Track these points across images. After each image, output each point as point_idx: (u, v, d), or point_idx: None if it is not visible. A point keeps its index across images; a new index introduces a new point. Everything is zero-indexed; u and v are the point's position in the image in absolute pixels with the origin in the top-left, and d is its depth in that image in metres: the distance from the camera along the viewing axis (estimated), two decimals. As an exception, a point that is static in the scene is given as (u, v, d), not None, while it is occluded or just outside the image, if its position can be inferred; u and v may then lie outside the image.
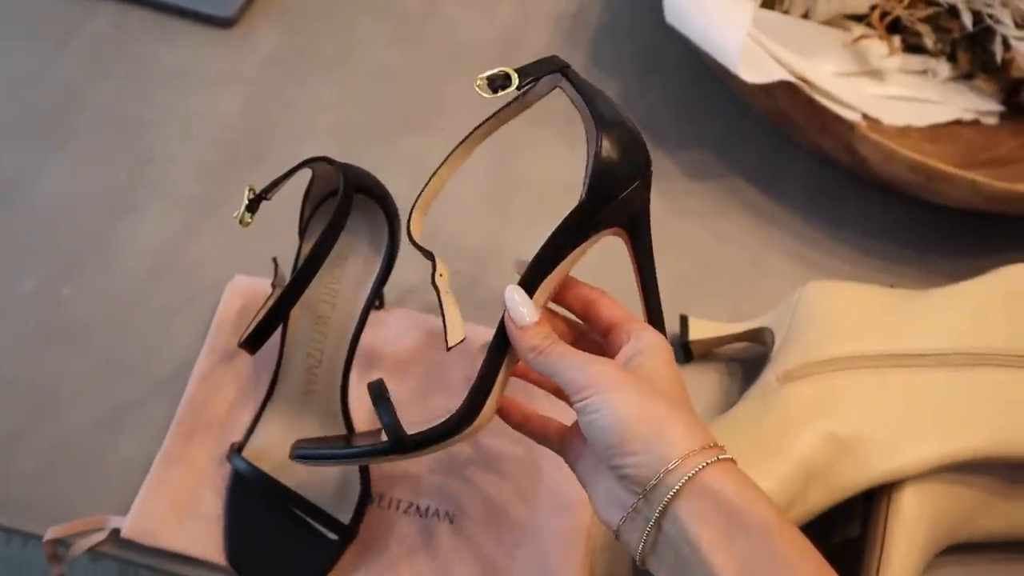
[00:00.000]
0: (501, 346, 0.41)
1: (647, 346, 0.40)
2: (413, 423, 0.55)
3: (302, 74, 0.73)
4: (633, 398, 0.37)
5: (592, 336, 0.45)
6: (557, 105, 0.72)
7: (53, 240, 0.65)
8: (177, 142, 0.70)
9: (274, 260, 0.56)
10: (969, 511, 0.50)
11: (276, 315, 0.44)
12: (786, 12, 0.68)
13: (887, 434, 0.48)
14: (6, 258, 0.64)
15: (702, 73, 0.72)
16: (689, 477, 0.34)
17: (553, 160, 0.68)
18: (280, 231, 0.56)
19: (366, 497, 0.51)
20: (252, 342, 0.45)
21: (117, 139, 0.70)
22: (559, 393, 0.46)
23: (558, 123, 0.70)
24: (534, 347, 0.40)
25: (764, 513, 0.34)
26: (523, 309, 0.41)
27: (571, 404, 0.39)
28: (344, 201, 0.45)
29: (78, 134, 0.70)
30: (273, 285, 0.54)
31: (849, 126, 0.58)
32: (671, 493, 0.35)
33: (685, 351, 0.58)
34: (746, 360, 0.59)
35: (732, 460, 0.36)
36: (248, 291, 0.59)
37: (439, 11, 0.77)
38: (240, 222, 0.45)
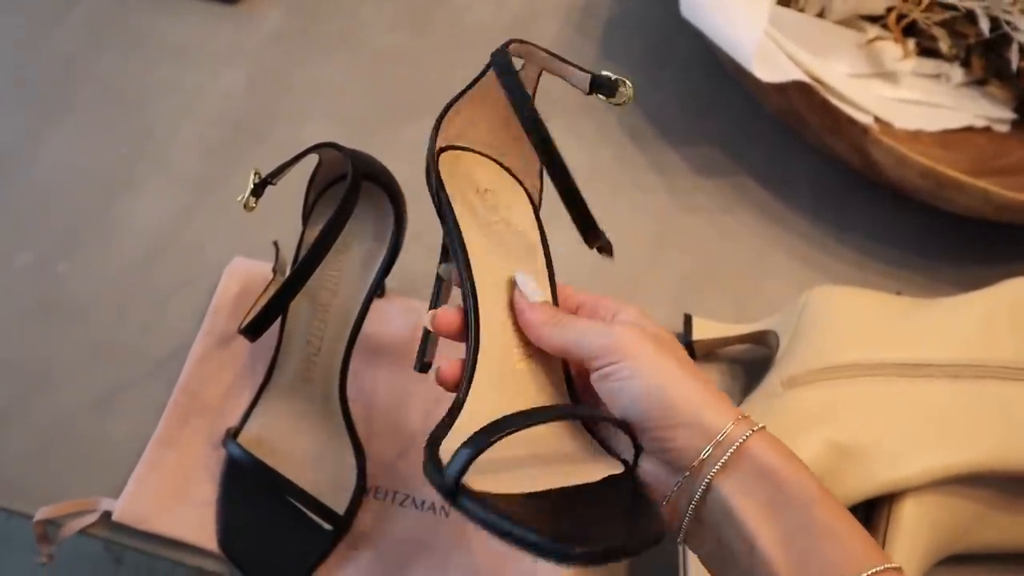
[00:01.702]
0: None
1: (638, 317, 0.39)
2: (413, 411, 0.55)
3: (305, 54, 0.72)
4: (667, 363, 0.35)
5: None
6: (565, 100, 0.72)
7: (50, 214, 0.64)
8: (177, 119, 0.68)
9: (275, 244, 0.55)
10: (968, 523, 0.49)
11: (279, 303, 0.44)
12: (801, 10, 0.67)
13: (890, 444, 0.48)
14: (2, 230, 0.63)
15: (713, 69, 0.71)
16: (735, 448, 0.33)
17: (561, 149, 0.67)
18: (280, 214, 0.55)
19: (361, 488, 0.51)
20: (253, 329, 0.45)
21: (116, 114, 0.69)
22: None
23: (566, 115, 0.69)
24: (548, 320, 0.39)
25: (806, 483, 0.33)
26: (534, 287, 0.41)
27: (591, 372, 0.37)
28: (352, 188, 0.44)
29: (76, 107, 0.69)
30: (274, 270, 0.53)
31: (862, 129, 0.58)
32: (717, 466, 0.33)
33: (688, 351, 0.58)
34: (748, 361, 0.59)
35: (764, 428, 0.35)
36: (247, 274, 0.58)
37: (447, -5, 0.76)
38: (244, 206, 0.44)
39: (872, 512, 0.48)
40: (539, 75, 0.45)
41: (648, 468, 0.36)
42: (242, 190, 0.64)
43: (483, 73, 0.44)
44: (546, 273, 0.44)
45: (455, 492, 0.34)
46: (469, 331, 0.40)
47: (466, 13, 0.75)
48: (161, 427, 0.54)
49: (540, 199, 0.47)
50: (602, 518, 0.34)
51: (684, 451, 0.34)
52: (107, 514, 0.52)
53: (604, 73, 0.41)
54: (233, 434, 0.52)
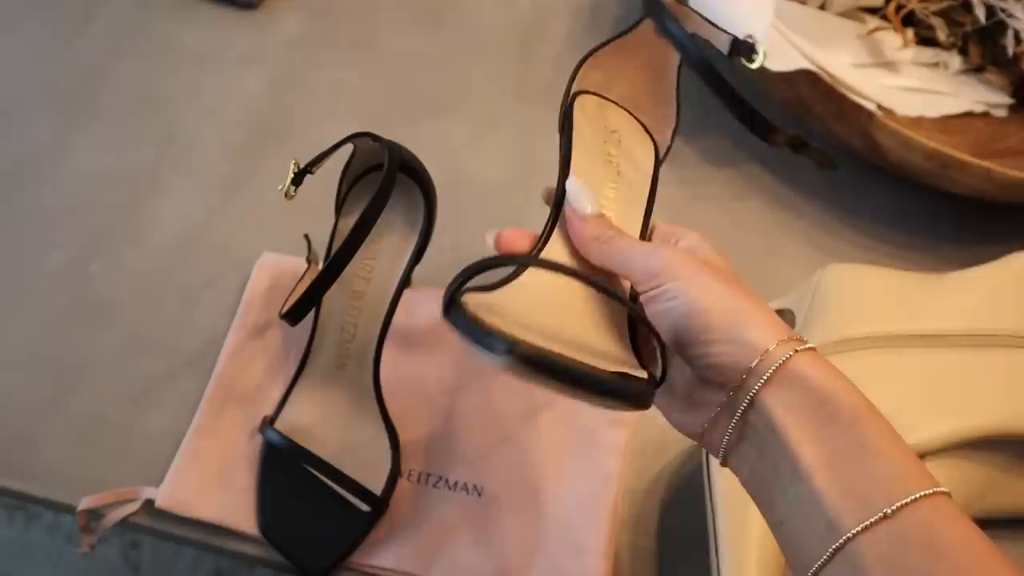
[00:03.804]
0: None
1: (698, 243, 0.40)
2: (442, 396, 0.56)
3: (324, 57, 0.74)
4: (711, 284, 0.35)
5: None
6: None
7: (79, 216, 0.65)
8: (201, 122, 0.70)
9: (306, 236, 0.56)
10: (982, 488, 0.51)
11: (320, 287, 0.45)
12: (803, 3, 0.69)
13: (905, 411, 0.49)
14: (34, 233, 0.65)
15: (719, 59, 0.73)
16: (779, 364, 0.33)
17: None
18: (305, 209, 0.56)
19: (396, 470, 0.52)
20: (294, 314, 0.46)
21: (141, 118, 0.71)
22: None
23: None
24: (597, 236, 0.39)
25: (853, 401, 0.33)
26: (585, 199, 0.40)
27: (638, 294, 0.37)
28: (389, 177, 0.46)
29: (102, 112, 0.71)
30: (308, 260, 0.55)
31: (867, 115, 0.60)
32: (761, 381, 0.33)
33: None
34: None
35: (814, 349, 0.34)
36: (276, 268, 0.60)
37: (459, -2, 0.78)
38: (285, 195, 0.46)
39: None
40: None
41: (694, 387, 0.36)
42: (267, 188, 0.67)
43: (633, 27, 0.47)
44: (643, 210, 0.44)
45: (448, 305, 0.35)
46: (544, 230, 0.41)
47: (478, 15, 0.77)
48: (199, 418, 0.55)
49: (666, 155, 0.49)
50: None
51: (726, 367, 0.34)
52: (148, 503, 0.53)
53: (743, 38, 0.44)
54: (270, 421, 0.54)
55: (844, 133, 0.63)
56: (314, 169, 0.48)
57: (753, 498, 0.35)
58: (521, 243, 0.41)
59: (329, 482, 0.51)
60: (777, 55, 0.61)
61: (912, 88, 0.69)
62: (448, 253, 0.63)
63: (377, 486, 0.52)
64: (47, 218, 0.65)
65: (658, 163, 0.49)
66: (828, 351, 0.52)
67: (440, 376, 0.57)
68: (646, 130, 0.50)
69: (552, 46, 0.75)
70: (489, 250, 0.43)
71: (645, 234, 0.44)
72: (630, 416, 0.55)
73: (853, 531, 0.30)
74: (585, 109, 0.48)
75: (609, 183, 0.46)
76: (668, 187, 0.68)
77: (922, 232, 0.66)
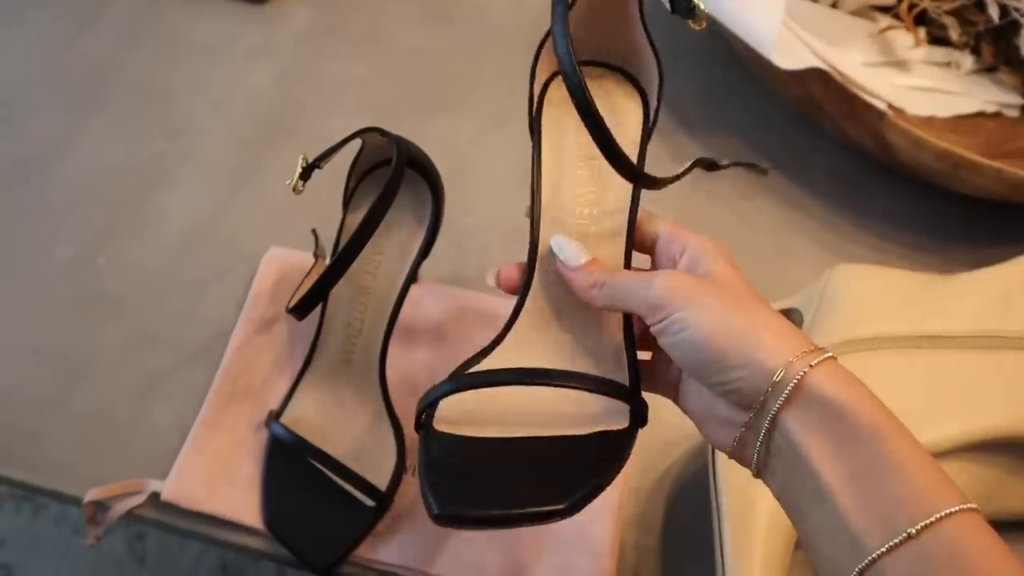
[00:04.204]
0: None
1: (704, 251, 0.38)
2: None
3: (332, 51, 0.74)
4: (715, 306, 0.35)
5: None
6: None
7: (87, 209, 0.65)
8: (209, 115, 0.70)
9: (313, 231, 0.56)
10: (990, 490, 0.51)
11: (328, 281, 0.45)
12: (815, 1, 0.69)
13: (913, 412, 0.49)
14: (41, 227, 0.65)
15: (729, 60, 0.73)
16: (795, 383, 0.32)
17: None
18: (312, 204, 0.56)
19: (402, 466, 0.52)
20: (302, 308, 0.46)
21: (149, 111, 0.71)
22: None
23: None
24: (594, 282, 0.39)
25: (872, 414, 0.32)
26: (571, 252, 0.40)
27: (650, 329, 0.37)
28: (397, 172, 0.46)
29: (110, 104, 0.71)
30: (315, 255, 0.55)
31: (878, 114, 0.59)
32: (779, 403, 0.33)
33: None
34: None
35: (833, 357, 0.34)
36: (284, 263, 0.60)
37: (468, -7, 0.78)
38: (293, 189, 0.46)
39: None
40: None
41: (719, 409, 0.36)
42: (275, 182, 0.67)
43: None
44: (627, 210, 0.43)
45: (417, 422, 0.39)
46: (527, 268, 0.42)
47: (486, 11, 0.77)
48: (205, 411, 0.55)
49: (655, 117, 0.46)
50: (539, 478, 0.37)
51: (745, 392, 0.34)
52: (154, 495, 0.53)
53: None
54: (275, 415, 0.54)
55: (855, 132, 0.63)
56: (322, 164, 0.48)
57: (785, 512, 0.35)
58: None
59: (334, 477, 0.51)
60: (788, 53, 0.60)
61: (923, 88, 0.69)
62: (453, 249, 0.63)
63: (382, 481, 0.52)
64: (54, 212, 0.65)
65: (648, 123, 0.45)
66: (837, 351, 0.51)
67: (444, 371, 0.57)
68: (630, 81, 0.47)
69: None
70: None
71: (636, 210, 0.43)
72: None
73: (878, 552, 0.30)
74: (553, 101, 0.46)
75: (585, 168, 0.44)
76: (676, 185, 0.69)
77: (931, 233, 0.66)
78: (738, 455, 0.36)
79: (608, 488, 0.52)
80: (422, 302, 0.58)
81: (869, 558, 0.30)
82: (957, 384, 0.50)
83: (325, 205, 0.56)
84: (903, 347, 0.51)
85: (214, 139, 0.69)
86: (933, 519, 0.30)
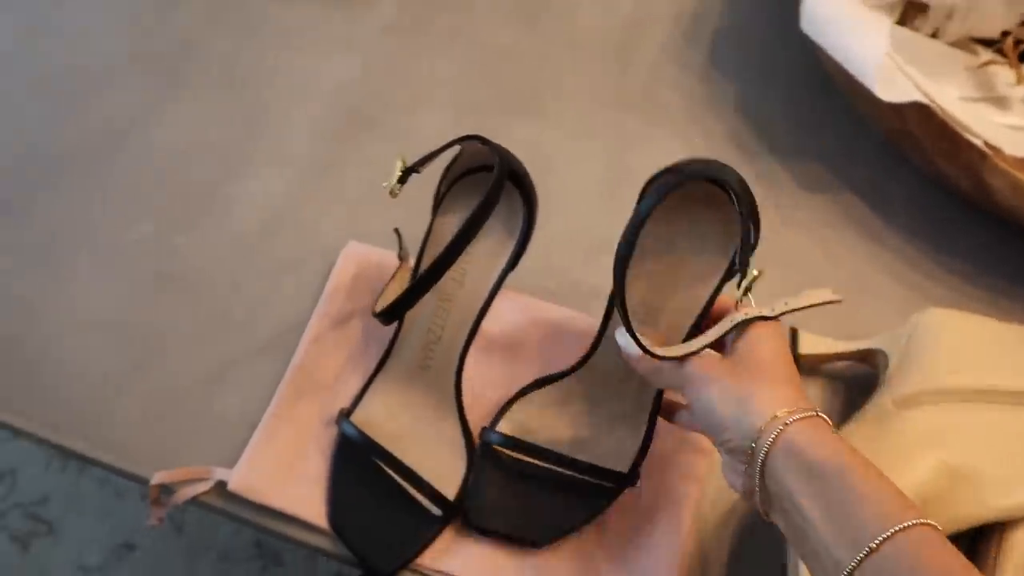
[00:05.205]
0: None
1: (747, 331, 0.45)
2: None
3: (418, 45, 0.73)
4: (727, 383, 0.43)
5: None
6: (672, 106, 0.72)
7: (168, 188, 0.65)
8: (291, 102, 0.70)
9: (396, 231, 0.56)
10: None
11: (419, 290, 0.45)
12: (916, 30, 0.67)
13: (1003, 471, 0.48)
14: (123, 202, 0.65)
15: (820, 85, 0.71)
16: (772, 439, 0.40)
17: (666, 157, 0.68)
18: (391, 199, 0.55)
19: (470, 477, 0.52)
20: (389, 315, 0.46)
21: (232, 94, 0.70)
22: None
23: (674, 122, 0.70)
24: (647, 371, 0.47)
25: (836, 457, 0.39)
26: (633, 348, 0.47)
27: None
28: (497, 184, 0.45)
29: (194, 85, 0.71)
30: (400, 257, 0.54)
31: (980, 154, 0.58)
32: (762, 456, 0.40)
33: (792, 363, 0.58)
34: (850, 378, 0.59)
35: (813, 414, 0.41)
36: (362, 258, 0.60)
37: (559, -5, 0.77)
38: (390, 193, 0.45)
39: (982, 538, 0.49)
40: None
41: (728, 460, 0.44)
42: (354, 174, 0.66)
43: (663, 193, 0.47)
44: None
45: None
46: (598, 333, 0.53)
47: (577, 13, 0.76)
48: (275, 403, 0.55)
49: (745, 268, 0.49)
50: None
51: (737, 449, 0.42)
52: (219, 484, 0.53)
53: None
54: (346, 414, 0.53)
55: (951, 170, 0.61)
56: (420, 168, 0.47)
57: (790, 543, 0.42)
58: None
59: (402, 482, 0.51)
60: (890, 85, 0.59)
61: (1022, 127, 0.67)
62: (533, 258, 0.62)
63: (450, 490, 0.51)
64: (137, 187, 0.66)
65: (728, 276, 0.50)
66: (925, 400, 0.51)
67: (518, 383, 0.56)
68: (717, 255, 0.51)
69: (650, 53, 0.74)
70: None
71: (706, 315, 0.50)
72: (710, 444, 0.54)
73: (850, 567, 0.36)
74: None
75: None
76: (760, 208, 0.67)
77: (1018, 279, 0.64)
78: (749, 499, 0.43)
79: (674, 513, 0.52)
80: (499, 311, 0.58)
81: (843, 574, 0.37)
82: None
83: (404, 201, 0.55)
84: (995, 402, 0.50)
85: (295, 128, 0.69)
86: (889, 532, 0.36)
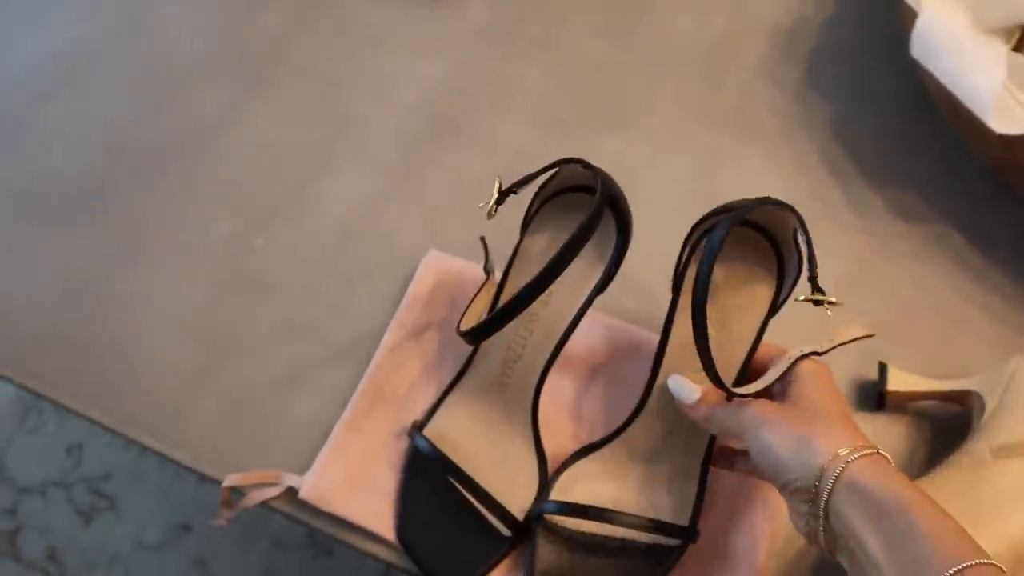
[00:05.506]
0: None
1: (800, 376, 0.47)
2: (596, 425, 0.54)
3: (507, 52, 0.72)
4: (784, 427, 0.44)
5: None
6: (765, 125, 0.70)
7: (249, 187, 0.66)
8: (376, 105, 0.69)
9: (482, 240, 0.54)
10: None
11: (510, 313, 0.44)
12: (1027, 56, 0.64)
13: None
14: (204, 200, 0.65)
15: (921, 108, 0.68)
16: (835, 477, 0.41)
17: (755, 177, 0.66)
18: (473, 209, 0.53)
19: (542, 499, 0.51)
20: (476, 336, 0.45)
21: (317, 95, 0.70)
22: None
23: (765, 141, 0.68)
24: (702, 418, 0.48)
25: (899, 494, 0.39)
26: (685, 394, 0.48)
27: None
28: (599, 207, 0.44)
29: (280, 85, 0.71)
30: (486, 271, 0.53)
31: (1095, 193, 0.55)
32: (826, 495, 0.41)
33: (879, 399, 0.56)
34: (937, 418, 0.57)
35: (874, 452, 0.42)
36: (441, 269, 0.59)
37: (653, 9, 0.75)
38: (487, 215, 0.45)
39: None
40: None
41: (793, 503, 0.44)
42: (436, 181, 0.66)
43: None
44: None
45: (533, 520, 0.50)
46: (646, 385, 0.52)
47: (672, 27, 0.74)
48: (349, 412, 0.55)
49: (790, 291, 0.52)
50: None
51: (801, 490, 0.43)
52: (289, 490, 0.53)
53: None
54: (419, 427, 0.53)
55: (1060, 207, 0.58)
56: (518, 190, 0.46)
57: None
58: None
59: (472, 500, 0.50)
60: (1005, 115, 0.56)
61: None
62: (617, 278, 0.61)
63: (520, 511, 0.50)
64: (221, 185, 0.66)
65: (777, 302, 0.52)
66: (1019, 451, 0.48)
67: (593, 407, 0.55)
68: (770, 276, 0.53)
69: (742, 70, 0.71)
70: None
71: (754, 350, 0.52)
72: (765, 490, 0.53)
73: None
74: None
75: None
76: (851, 234, 0.65)
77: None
78: (814, 540, 0.43)
79: (751, 548, 0.50)
80: (583, 332, 0.56)
81: None
82: None
83: (481, 214, 0.54)
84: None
85: (378, 130, 0.68)
86: (953, 571, 0.36)
